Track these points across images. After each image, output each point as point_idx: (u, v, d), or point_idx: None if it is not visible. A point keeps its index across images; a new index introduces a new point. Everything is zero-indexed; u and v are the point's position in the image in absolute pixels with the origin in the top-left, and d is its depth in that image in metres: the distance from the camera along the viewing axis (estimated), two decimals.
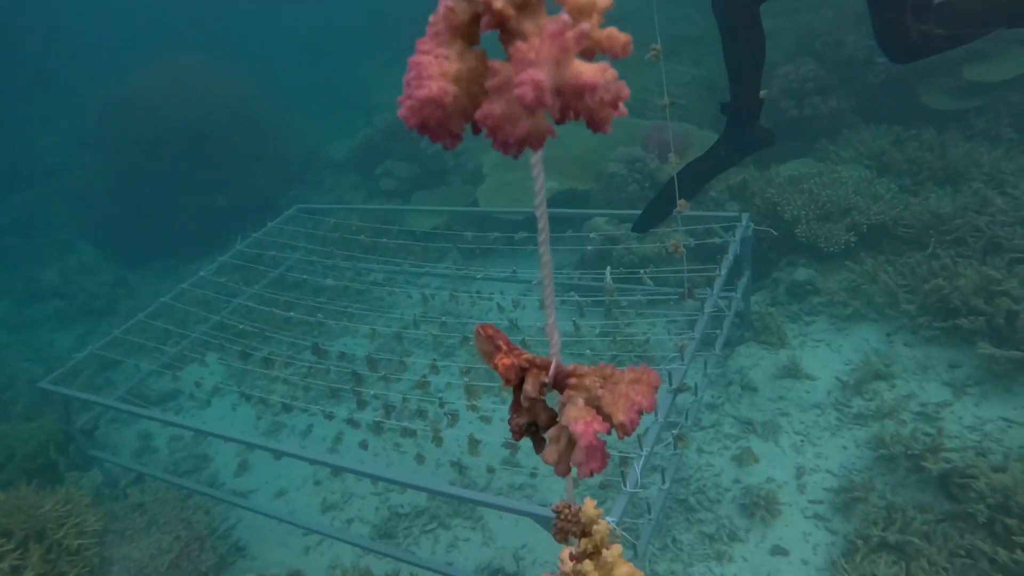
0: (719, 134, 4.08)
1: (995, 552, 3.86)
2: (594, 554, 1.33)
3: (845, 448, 4.92)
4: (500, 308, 6.18)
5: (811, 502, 4.63)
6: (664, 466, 4.09)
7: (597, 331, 5.39)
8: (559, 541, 1.34)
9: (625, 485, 3.31)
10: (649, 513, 3.88)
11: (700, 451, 5.20)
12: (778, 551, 4.40)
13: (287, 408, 6.30)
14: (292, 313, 6.38)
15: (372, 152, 10.68)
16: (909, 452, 4.52)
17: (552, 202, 7.56)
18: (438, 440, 4.96)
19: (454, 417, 5.11)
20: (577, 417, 0.90)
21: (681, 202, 3.76)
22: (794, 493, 4.71)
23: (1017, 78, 6.99)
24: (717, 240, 5.35)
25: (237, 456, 6.41)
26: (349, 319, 6.93)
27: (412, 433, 4.89)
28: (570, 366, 1.05)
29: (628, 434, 0.95)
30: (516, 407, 1.02)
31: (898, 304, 5.63)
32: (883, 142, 7.15)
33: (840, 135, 7.59)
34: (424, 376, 5.51)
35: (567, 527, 1.34)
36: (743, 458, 4.97)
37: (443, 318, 5.99)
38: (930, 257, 5.76)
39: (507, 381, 0.99)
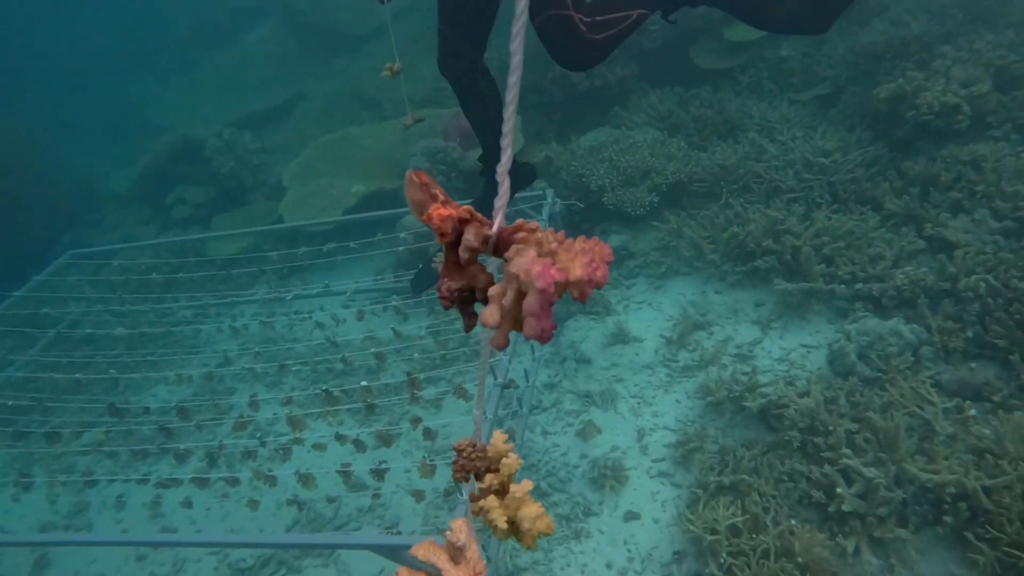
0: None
1: (809, 471, 4.17)
2: (500, 492, 1.17)
3: (678, 402, 5.12)
4: (320, 326, 5.80)
5: (654, 461, 4.77)
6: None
7: (424, 331, 5.20)
8: (458, 480, 1.22)
9: (460, 493, 3.15)
10: None
11: (545, 433, 5.20)
12: (631, 516, 4.49)
13: (90, 483, 5.53)
14: (79, 375, 5.57)
15: (158, 179, 9.67)
16: (731, 394, 4.78)
17: (360, 206, 7.24)
18: (270, 480, 4.55)
19: (286, 452, 4.72)
20: (532, 262, 0.79)
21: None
22: (638, 456, 4.83)
23: (765, 36, 7.64)
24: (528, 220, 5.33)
25: (31, 553, 5.51)
26: (153, 368, 6.20)
27: (236, 481, 4.43)
28: (516, 222, 0.91)
29: (586, 296, 0.82)
30: (450, 269, 0.90)
31: (704, 255, 5.96)
32: (669, 104, 7.54)
33: (630, 101, 7.90)
34: (241, 416, 5.03)
35: (469, 464, 1.19)
36: (586, 432, 5.02)
37: (257, 348, 5.50)
38: (724, 207, 6.14)
39: (442, 236, 0.86)
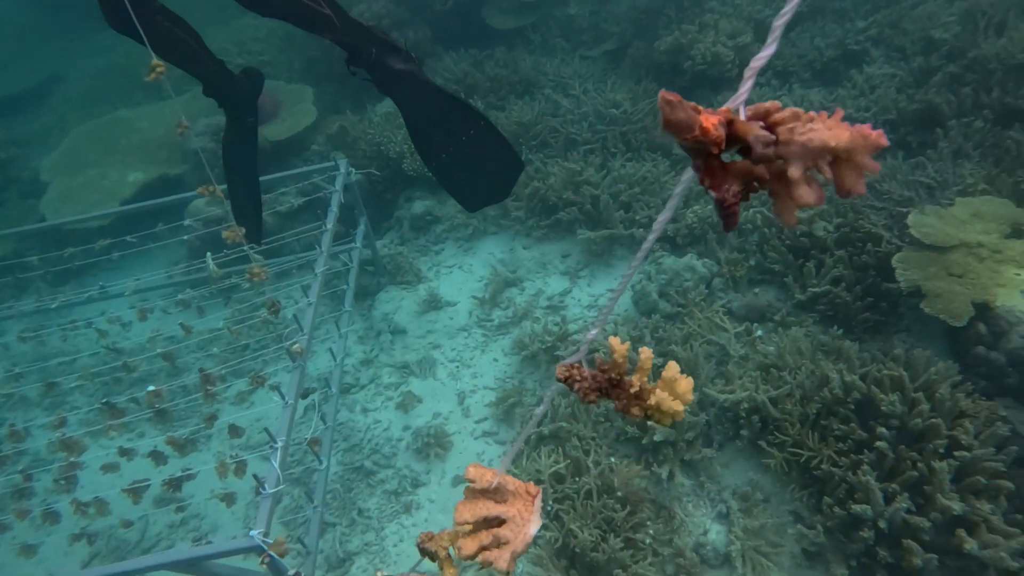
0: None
1: None
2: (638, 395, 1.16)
3: (496, 361, 5.12)
4: (100, 333, 5.14)
5: (477, 423, 4.75)
6: (318, 443, 3.75)
7: (222, 324, 4.76)
8: (591, 401, 1.19)
9: (263, 488, 2.89)
10: (312, 501, 3.54)
11: (365, 411, 5.00)
12: (459, 481, 4.43)
13: None
14: None
15: None
16: (544, 346, 4.85)
17: (140, 196, 6.50)
18: (50, 518, 3.96)
19: (68, 481, 4.13)
20: (833, 127, 0.83)
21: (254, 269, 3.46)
22: (461, 420, 4.78)
23: None
24: (324, 193, 5.02)
25: None
26: None
27: (4, 527, 3.81)
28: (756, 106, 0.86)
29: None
30: (715, 175, 0.88)
31: (509, 213, 5.98)
32: (464, 65, 7.45)
33: (425, 65, 7.70)
34: None
35: (599, 380, 1.15)
36: (407, 403, 4.89)
37: (18, 368, 4.77)
38: (525, 163, 6.18)
39: (718, 146, 0.84)
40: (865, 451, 3.68)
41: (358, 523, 4.34)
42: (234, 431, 3.91)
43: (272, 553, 2.67)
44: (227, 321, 4.74)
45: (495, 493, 1.28)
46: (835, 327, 4.55)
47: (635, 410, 1.15)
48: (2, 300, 6.31)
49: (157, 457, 3.92)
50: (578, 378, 1.18)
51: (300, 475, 4.60)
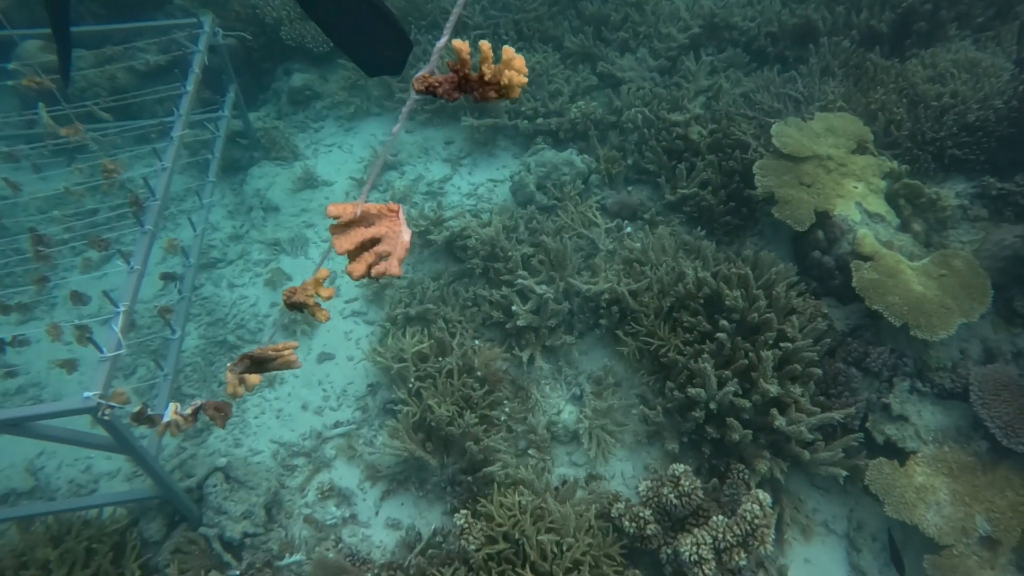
0: None
1: (491, 294, 4.45)
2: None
3: None
4: None
5: (347, 302, 4.73)
6: (170, 311, 3.63)
7: (64, 187, 4.37)
8: (451, 99, 1.28)
9: (101, 351, 2.78)
10: (161, 369, 3.46)
11: (231, 286, 4.86)
12: (325, 357, 4.46)
13: None
14: None
15: None
16: (419, 229, 4.83)
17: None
18: None
19: None
20: None
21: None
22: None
23: None
24: (186, 53, 4.61)
25: None
26: None
27: None
28: None
29: None
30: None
31: (393, 95, 5.77)
32: None
33: None
34: None
35: (449, 82, 1.29)
36: (275, 280, 4.79)
37: None
38: (413, 42, 5.92)
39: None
40: (707, 342, 3.99)
41: (218, 395, 4.30)
42: (77, 298, 3.70)
43: (112, 403, 2.61)
44: (68, 183, 4.37)
45: (362, 220, 1.40)
46: (699, 228, 4.80)
47: (491, 93, 1.29)
48: None
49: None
50: (436, 83, 1.29)
51: (157, 347, 4.46)
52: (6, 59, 4.98)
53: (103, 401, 2.65)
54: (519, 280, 4.42)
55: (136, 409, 2.29)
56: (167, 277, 3.71)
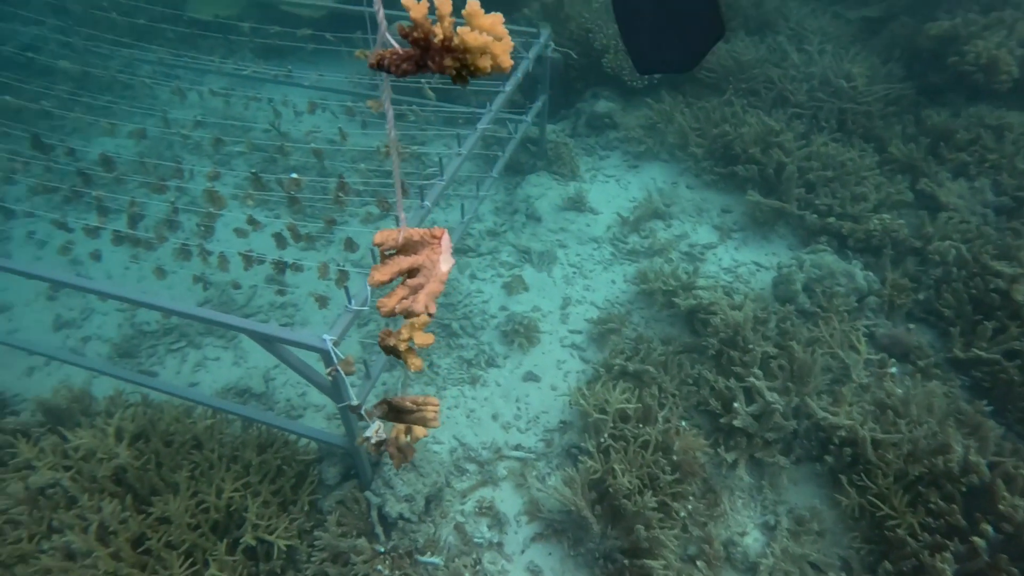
0: None
1: (716, 380, 4.11)
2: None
3: (613, 282, 4.97)
4: (275, 112, 5.43)
5: (571, 332, 4.69)
6: None
7: (377, 143, 4.87)
8: (402, 73, 1.14)
9: (349, 302, 3.00)
10: None
11: (473, 277, 5.06)
12: (530, 377, 4.45)
13: (8, 213, 5.32)
14: (7, 97, 5.17)
15: None
16: (666, 288, 4.63)
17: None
18: (185, 254, 4.37)
19: (207, 230, 4.50)
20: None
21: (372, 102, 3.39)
22: (556, 323, 4.74)
23: None
24: (515, 57, 4.89)
25: None
26: (89, 111, 5.81)
27: (148, 245, 4.24)
28: None
29: None
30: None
31: (688, 146, 5.62)
32: None
33: None
34: (163, 179, 4.75)
35: (403, 54, 1.13)
36: (513, 286, 4.89)
37: (200, 117, 5.16)
38: (724, 103, 5.73)
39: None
40: (955, 540, 3.31)
41: (425, 374, 4.50)
42: (350, 245, 4.06)
43: (339, 367, 2.79)
44: (382, 145, 4.85)
45: (404, 249, 1.27)
46: (985, 402, 4.03)
47: (447, 61, 1.06)
48: (212, 54, 6.78)
49: (279, 239, 4.17)
50: (388, 57, 1.09)
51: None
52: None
53: (335, 354, 2.83)
54: (751, 378, 4.04)
55: (354, 403, 2.41)
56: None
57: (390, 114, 1.29)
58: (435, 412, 1.75)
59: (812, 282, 4.63)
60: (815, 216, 5.02)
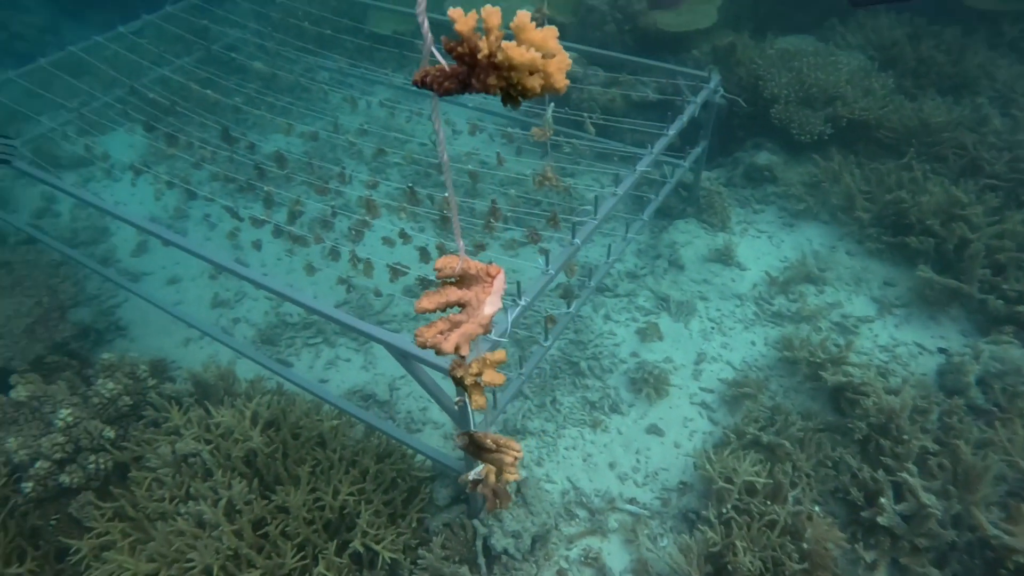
0: None
1: (860, 468, 3.75)
2: None
3: (753, 344, 4.69)
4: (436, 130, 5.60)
5: (702, 389, 4.46)
6: (554, 322, 3.78)
7: (529, 171, 4.91)
8: (444, 91, 1.09)
9: (488, 332, 2.98)
10: (520, 368, 3.63)
11: (607, 318, 4.94)
12: (654, 430, 4.27)
13: (191, 194, 5.83)
14: (209, 91, 5.70)
15: None
16: (812, 359, 4.30)
17: None
18: (334, 255, 4.59)
19: (357, 235, 4.71)
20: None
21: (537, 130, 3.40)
22: (688, 378, 4.52)
23: None
24: (680, 100, 4.77)
25: (139, 235, 5.99)
26: (271, 110, 6.28)
27: (304, 241, 4.49)
28: None
29: None
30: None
31: (853, 209, 5.23)
32: (898, 33, 6.40)
33: (854, 17, 6.78)
34: (326, 183, 5.02)
35: (448, 71, 1.07)
36: (648, 333, 4.73)
37: (367, 126, 5.42)
38: (902, 167, 5.29)
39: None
40: None
41: (547, 409, 4.43)
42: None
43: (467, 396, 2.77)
44: (534, 173, 4.87)
45: (460, 280, 1.20)
46: None
47: (492, 79, 0.97)
48: (384, 67, 7.16)
49: (424, 254, 4.27)
50: (431, 75, 1.02)
51: (523, 339, 4.76)
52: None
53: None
54: (904, 473, 3.64)
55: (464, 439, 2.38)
56: (566, 294, 3.87)
57: (441, 135, 1.21)
58: (514, 459, 1.69)
59: (990, 376, 4.13)
60: (1001, 302, 4.49)
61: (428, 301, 1.24)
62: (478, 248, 3.95)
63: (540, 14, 3.59)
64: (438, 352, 1.21)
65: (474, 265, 1.25)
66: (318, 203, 5.07)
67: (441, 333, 1.20)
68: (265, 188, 4.66)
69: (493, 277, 1.25)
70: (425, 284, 3.83)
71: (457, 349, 1.18)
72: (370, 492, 3.65)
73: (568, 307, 3.88)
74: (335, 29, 6.71)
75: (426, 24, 1.04)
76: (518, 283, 3.19)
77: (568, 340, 4.82)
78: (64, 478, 3.63)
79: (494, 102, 5.89)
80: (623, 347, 4.74)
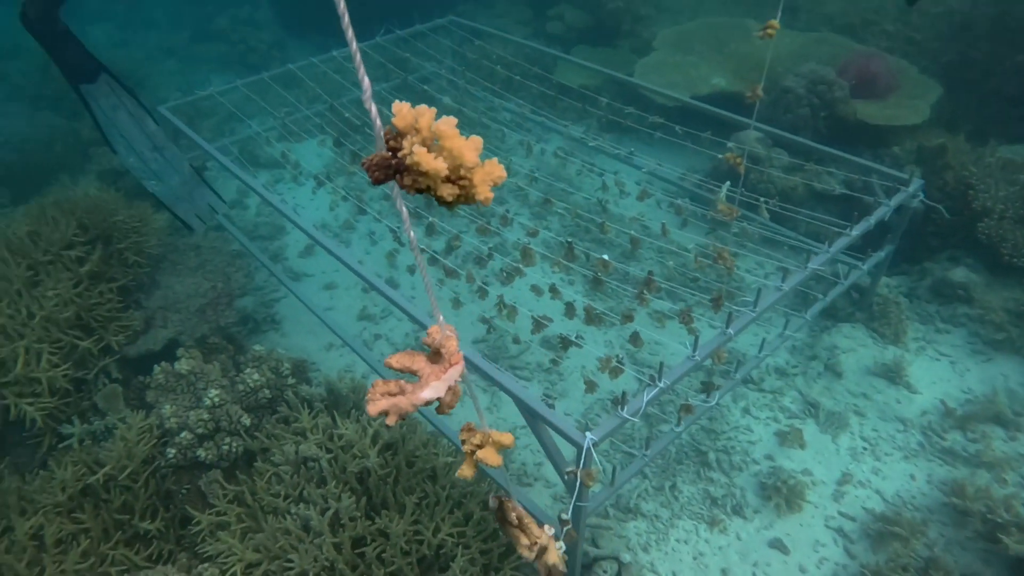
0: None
1: None
2: None
3: (912, 478, 4.16)
4: (604, 187, 5.59)
5: (842, 514, 4.00)
6: (690, 411, 3.56)
7: (692, 245, 4.73)
8: (375, 181, 1.11)
9: (621, 408, 2.85)
10: (645, 448, 3.44)
11: (746, 412, 4.61)
12: (777, 545, 3.88)
13: (361, 210, 6.19)
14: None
15: None
16: (989, 516, 3.73)
17: (710, 99, 6.63)
18: (482, 292, 4.65)
19: (508, 277, 4.76)
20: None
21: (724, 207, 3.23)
22: (827, 497, 4.08)
23: None
24: (870, 199, 4.42)
25: (308, 238, 6.43)
26: None
27: (456, 275, 4.59)
28: None
29: None
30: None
31: None
32: None
33: None
34: (487, 223, 5.11)
35: (381, 158, 1.08)
36: (789, 438, 4.34)
37: (537, 173, 5.50)
38: None
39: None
40: None
41: (664, 494, 4.17)
42: (635, 339, 3.94)
43: (580, 473, 2.67)
44: (697, 248, 4.70)
45: (433, 354, 1.23)
46: None
47: (406, 180, 1.00)
48: (564, 117, 7.29)
49: (570, 310, 4.21)
50: (372, 159, 1.02)
51: (652, 416, 4.55)
52: (726, 134, 5.61)
53: (591, 454, 2.70)
54: None
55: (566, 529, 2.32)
56: (707, 387, 3.64)
57: (404, 213, 1.17)
58: (530, 544, 1.69)
59: None
60: None
61: (396, 360, 1.25)
62: (625, 318, 3.83)
63: (754, 95, 3.49)
64: (369, 408, 1.22)
65: (447, 344, 1.24)
66: (476, 240, 5.18)
67: (383, 395, 1.20)
68: (429, 218, 4.84)
69: (448, 367, 1.23)
70: (565, 344, 3.76)
71: (375, 412, 1.19)
72: (470, 537, 3.59)
73: (707, 397, 3.64)
74: (524, 75, 6.95)
75: (374, 109, 1.05)
76: (661, 363, 3.03)
77: (700, 426, 4.53)
78: (201, 452, 3.89)
79: (667, 168, 5.79)
80: (758, 447, 4.38)
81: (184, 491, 3.88)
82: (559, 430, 2.84)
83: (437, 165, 0.98)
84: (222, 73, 10.66)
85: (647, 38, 8.23)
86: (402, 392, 1.21)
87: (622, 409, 2.86)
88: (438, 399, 1.24)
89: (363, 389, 4.67)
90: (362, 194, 6.71)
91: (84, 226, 4.96)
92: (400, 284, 5.95)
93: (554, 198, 5.22)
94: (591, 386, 3.79)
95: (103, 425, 4.06)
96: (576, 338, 3.84)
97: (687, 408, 3.39)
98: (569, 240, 4.38)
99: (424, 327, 3.62)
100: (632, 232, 4.44)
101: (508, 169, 5.54)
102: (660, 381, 3.00)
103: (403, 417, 1.18)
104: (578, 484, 2.82)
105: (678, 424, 3.49)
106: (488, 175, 1.01)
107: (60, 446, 4.04)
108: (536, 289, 4.62)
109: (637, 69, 7.28)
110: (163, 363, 4.20)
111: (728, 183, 4.32)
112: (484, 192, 1.01)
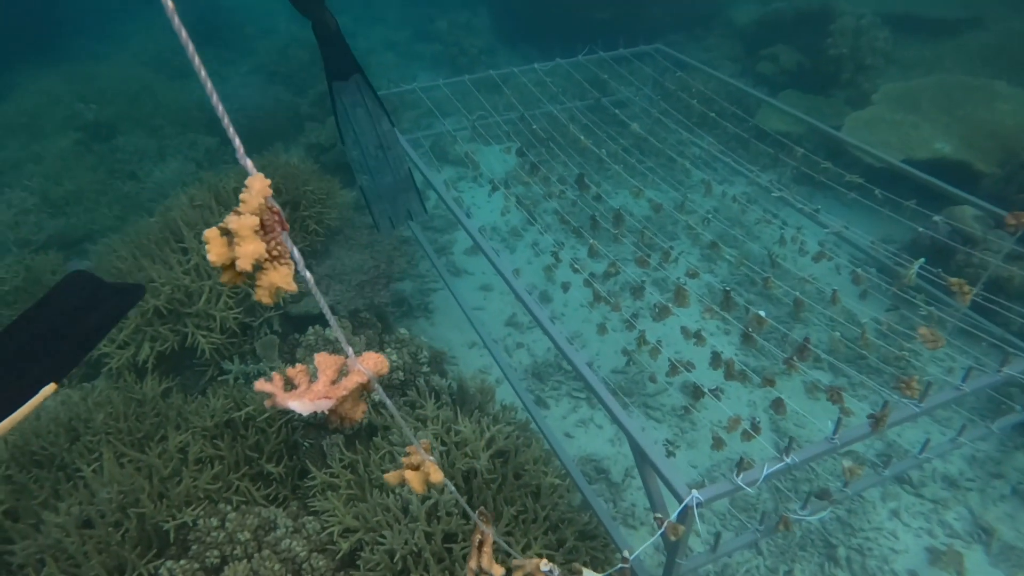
0: None
1: None
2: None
3: None
4: (781, 240, 5.22)
5: None
6: (828, 499, 3.20)
7: (867, 320, 4.26)
8: None
9: (736, 474, 2.62)
10: (760, 523, 3.14)
11: (894, 515, 4.06)
12: None
13: (531, 221, 6.29)
14: (582, 137, 6.09)
15: (774, 30, 9.32)
16: None
17: (927, 165, 5.97)
18: (631, 324, 4.53)
19: (661, 313, 4.59)
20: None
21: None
22: None
23: None
24: None
25: (469, 241, 6.67)
26: (627, 169, 6.46)
27: (607, 302, 4.50)
28: None
29: None
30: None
31: None
32: None
33: None
34: (648, 256, 4.96)
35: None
36: (944, 559, 3.77)
37: (711, 215, 5.26)
38: None
39: None
40: None
41: (775, 574, 3.79)
42: (778, 406, 3.63)
43: (668, 525, 2.48)
44: (870, 323, 4.22)
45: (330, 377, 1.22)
46: None
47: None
48: (754, 163, 6.93)
49: (716, 360, 3.97)
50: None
51: (773, 490, 4.16)
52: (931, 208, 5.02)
53: (693, 509, 2.51)
54: None
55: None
56: (822, 495, 3.24)
57: (310, 278, 1.18)
58: (472, 571, 1.65)
59: None
60: None
61: (322, 360, 1.25)
62: (766, 381, 3.54)
63: (1018, 224, 3.07)
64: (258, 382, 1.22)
65: (353, 382, 1.23)
66: (634, 271, 5.06)
67: (282, 379, 1.21)
68: (591, 240, 4.80)
69: (319, 396, 1.22)
70: (697, 393, 3.55)
71: (264, 394, 1.18)
72: (557, 563, 3.49)
73: (845, 488, 3.25)
74: (720, 112, 6.70)
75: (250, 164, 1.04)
76: (790, 438, 2.75)
77: (835, 516, 4.07)
78: None
79: (856, 233, 5.29)
80: (901, 558, 3.85)
81: (308, 445, 4.15)
82: (664, 478, 2.67)
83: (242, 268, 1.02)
84: (432, 71, 11.39)
85: (867, 90, 7.61)
86: (285, 387, 1.24)
87: (737, 475, 2.63)
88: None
89: (491, 392, 4.74)
90: (534, 205, 6.83)
91: (278, 190, 5.51)
92: (553, 299, 5.97)
93: (727, 244, 4.97)
94: (719, 443, 3.55)
95: (256, 369, 4.46)
96: (715, 391, 3.61)
97: (786, 522, 3.02)
98: (727, 288, 4.13)
99: (560, 349, 3.58)
100: (798, 294, 4.09)
101: (683, 206, 5.35)
102: (787, 456, 2.72)
103: (276, 406, 1.21)
104: (673, 539, 2.63)
105: (803, 507, 3.15)
106: (274, 283, 1.07)
107: (219, 378, 4.49)
108: (686, 332, 4.42)
109: (847, 123, 6.75)
110: (316, 326, 4.53)
111: (923, 259, 3.85)
112: (288, 284, 1.08)
